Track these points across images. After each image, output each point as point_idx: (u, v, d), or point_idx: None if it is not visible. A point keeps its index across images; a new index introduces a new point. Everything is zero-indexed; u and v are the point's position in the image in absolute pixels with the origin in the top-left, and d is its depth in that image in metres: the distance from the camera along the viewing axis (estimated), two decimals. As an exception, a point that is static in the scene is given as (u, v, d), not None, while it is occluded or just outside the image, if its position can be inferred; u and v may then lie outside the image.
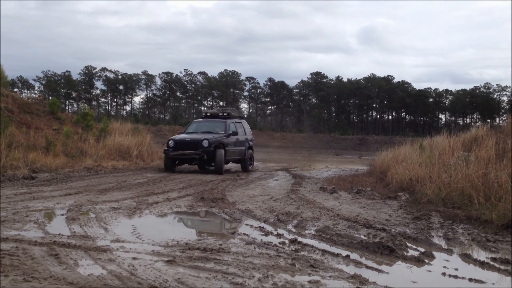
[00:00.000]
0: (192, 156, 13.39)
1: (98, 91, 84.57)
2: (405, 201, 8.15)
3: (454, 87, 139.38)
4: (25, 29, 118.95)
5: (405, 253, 4.54)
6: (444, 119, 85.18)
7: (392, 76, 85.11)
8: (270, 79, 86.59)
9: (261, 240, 4.92)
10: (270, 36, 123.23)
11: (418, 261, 4.32)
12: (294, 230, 5.54)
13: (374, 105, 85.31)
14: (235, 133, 14.68)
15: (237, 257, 4.17)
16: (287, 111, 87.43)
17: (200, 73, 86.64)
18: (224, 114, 15.32)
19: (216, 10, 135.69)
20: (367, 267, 4.08)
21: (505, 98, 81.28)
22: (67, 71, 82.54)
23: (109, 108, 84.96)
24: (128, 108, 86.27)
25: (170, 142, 13.78)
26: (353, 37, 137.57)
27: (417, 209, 7.15)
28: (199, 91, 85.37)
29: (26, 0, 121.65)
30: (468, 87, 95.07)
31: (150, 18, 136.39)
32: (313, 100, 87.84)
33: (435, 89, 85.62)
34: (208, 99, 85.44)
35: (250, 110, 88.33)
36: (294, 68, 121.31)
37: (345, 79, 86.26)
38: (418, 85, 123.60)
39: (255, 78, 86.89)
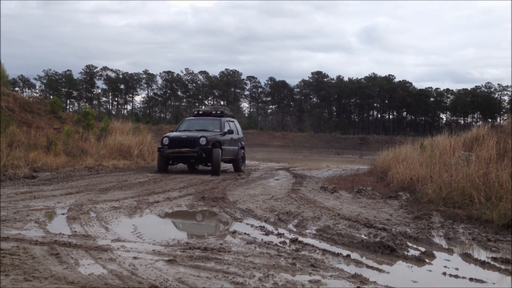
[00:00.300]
0: (189, 154, 12.54)
1: (99, 90, 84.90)
2: (406, 200, 8.14)
3: (455, 86, 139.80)
4: (26, 28, 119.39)
5: (406, 253, 4.53)
6: (445, 119, 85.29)
7: (393, 75, 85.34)
8: (271, 79, 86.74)
9: (262, 239, 4.91)
10: (271, 35, 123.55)
11: (418, 260, 4.31)
12: (294, 230, 5.53)
13: (375, 104, 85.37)
14: (230, 132, 14.02)
15: (237, 257, 4.17)
16: (288, 110, 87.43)
17: (201, 72, 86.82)
18: (218, 112, 14.69)
19: (217, 9, 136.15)
20: (368, 266, 4.07)
21: (506, 98, 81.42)
22: (68, 70, 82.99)
23: (110, 107, 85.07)
24: (129, 107, 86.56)
25: (164, 139, 12.87)
26: (354, 36, 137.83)
27: (418, 208, 7.15)
28: (200, 90, 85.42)
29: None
30: (469, 86, 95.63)
31: (151, 17, 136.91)
32: (314, 99, 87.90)
33: (436, 88, 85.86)
34: (209, 98, 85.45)
35: (251, 110, 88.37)
36: (295, 67, 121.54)
37: (346, 79, 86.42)
38: (419, 85, 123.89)
39: (256, 78, 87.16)
